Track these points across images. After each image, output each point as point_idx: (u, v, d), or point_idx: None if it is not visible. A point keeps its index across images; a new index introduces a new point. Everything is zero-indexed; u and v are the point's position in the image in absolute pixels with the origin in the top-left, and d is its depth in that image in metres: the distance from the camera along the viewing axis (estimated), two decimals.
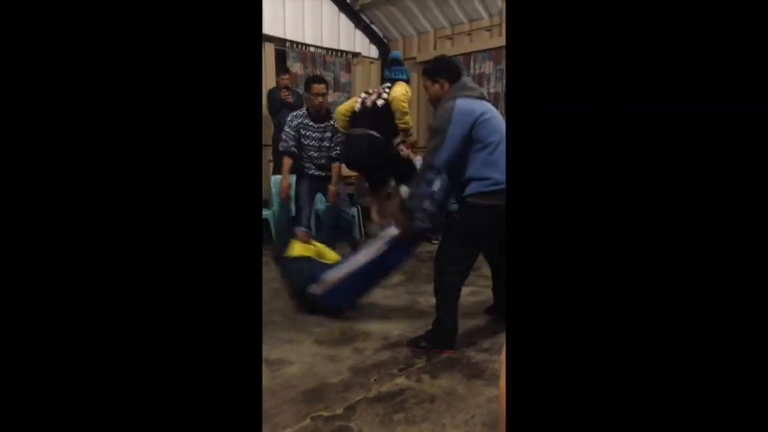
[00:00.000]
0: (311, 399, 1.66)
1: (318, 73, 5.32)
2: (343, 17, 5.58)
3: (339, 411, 1.58)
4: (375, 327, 2.37)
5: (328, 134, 3.19)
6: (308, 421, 1.52)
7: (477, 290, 2.98)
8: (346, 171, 4.98)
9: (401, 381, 1.80)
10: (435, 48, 5.56)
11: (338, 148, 3.04)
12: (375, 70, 5.97)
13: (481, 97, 2.07)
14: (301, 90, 5.01)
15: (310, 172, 3.23)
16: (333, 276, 2.36)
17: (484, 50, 5.03)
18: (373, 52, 5.94)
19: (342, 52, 5.52)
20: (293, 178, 3.27)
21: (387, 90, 2.79)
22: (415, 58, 5.73)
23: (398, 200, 2.23)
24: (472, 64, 5.16)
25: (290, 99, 4.45)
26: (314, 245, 2.74)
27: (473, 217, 2.01)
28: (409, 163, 2.84)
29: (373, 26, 5.83)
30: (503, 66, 4.77)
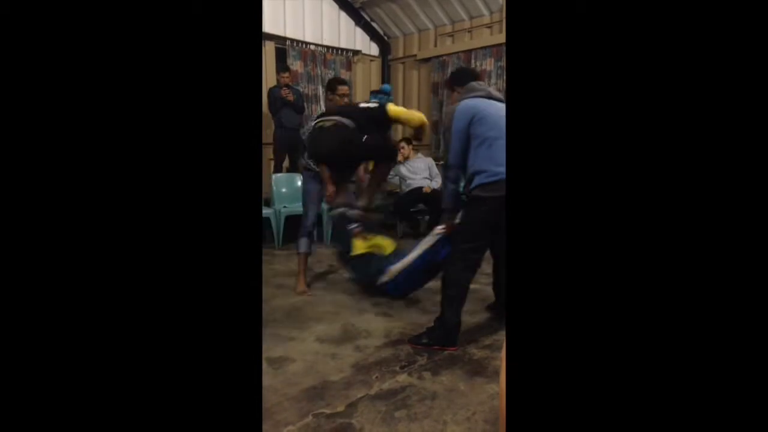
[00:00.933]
0: (313, 396, 1.66)
1: (318, 71, 5.32)
2: (343, 15, 5.57)
3: (341, 408, 1.58)
4: (376, 325, 2.37)
5: None
6: (310, 418, 1.52)
7: (478, 287, 2.98)
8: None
9: (403, 378, 1.81)
10: (435, 45, 5.55)
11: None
12: (375, 67, 5.97)
13: (487, 96, 2.15)
14: (301, 88, 5.02)
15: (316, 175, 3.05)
16: (394, 269, 2.65)
17: (485, 47, 5.03)
18: (373, 49, 5.94)
19: (342, 50, 5.51)
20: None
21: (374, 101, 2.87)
22: (415, 55, 5.73)
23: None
24: (473, 61, 5.15)
25: (291, 97, 4.45)
26: (371, 239, 2.94)
27: (477, 210, 2.07)
28: (390, 147, 2.90)
29: (373, 24, 5.82)
30: (504, 63, 4.76)
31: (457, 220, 2.24)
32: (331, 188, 2.77)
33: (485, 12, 5.06)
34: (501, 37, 4.84)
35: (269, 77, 4.83)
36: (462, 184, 2.23)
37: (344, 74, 5.52)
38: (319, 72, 5.33)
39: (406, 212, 4.54)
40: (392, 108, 2.70)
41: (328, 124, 2.65)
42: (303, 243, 2.94)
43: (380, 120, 2.67)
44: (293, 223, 3.59)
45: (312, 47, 5.25)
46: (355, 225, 2.98)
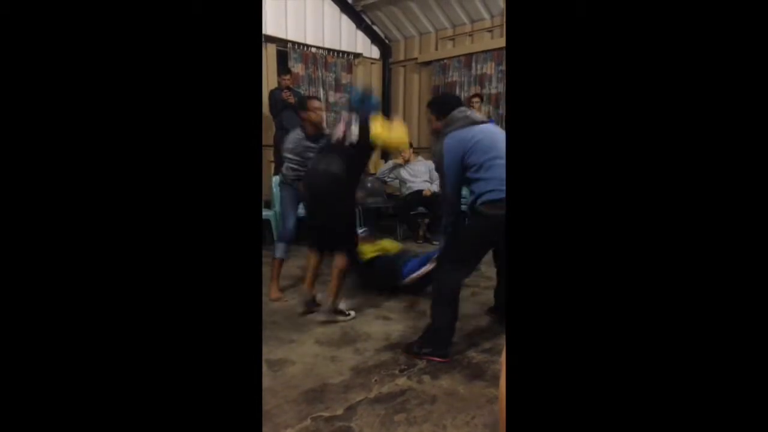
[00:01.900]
0: (312, 399, 1.66)
1: (319, 74, 5.33)
2: (344, 18, 5.59)
3: (340, 411, 1.58)
4: (376, 328, 2.37)
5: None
6: (309, 421, 1.52)
7: (478, 291, 2.98)
8: None
9: (402, 382, 1.80)
10: (436, 49, 5.56)
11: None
12: (376, 70, 5.98)
13: (471, 123, 2.10)
14: (302, 91, 5.03)
15: (292, 182, 2.94)
16: (414, 275, 2.86)
17: (486, 51, 5.03)
18: (374, 52, 5.95)
19: (343, 52, 5.52)
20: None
21: (354, 124, 2.58)
22: (416, 58, 5.73)
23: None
24: (473, 64, 5.16)
25: (291, 99, 4.45)
26: (379, 244, 3.05)
27: (478, 225, 2.06)
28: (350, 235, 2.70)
29: (374, 27, 5.83)
30: (505, 67, 4.77)
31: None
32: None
33: (486, 16, 5.07)
34: (502, 41, 4.84)
35: (270, 79, 4.84)
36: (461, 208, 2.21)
37: (345, 77, 5.53)
38: (321, 75, 5.34)
39: (407, 215, 4.54)
40: (375, 131, 2.51)
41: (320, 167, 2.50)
42: (280, 248, 2.87)
43: (362, 156, 2.56)
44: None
45: (313, 50, 5.26)
46: (362, 230, 3.01)
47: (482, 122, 2.15)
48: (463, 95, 5.05)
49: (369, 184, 5.03)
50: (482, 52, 5.07)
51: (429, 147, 5.45)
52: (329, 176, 2.42)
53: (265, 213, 4.06)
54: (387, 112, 6.04)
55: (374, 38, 5.88)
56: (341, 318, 2.47)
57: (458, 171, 2.06)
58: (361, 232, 3.06)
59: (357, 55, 5.69)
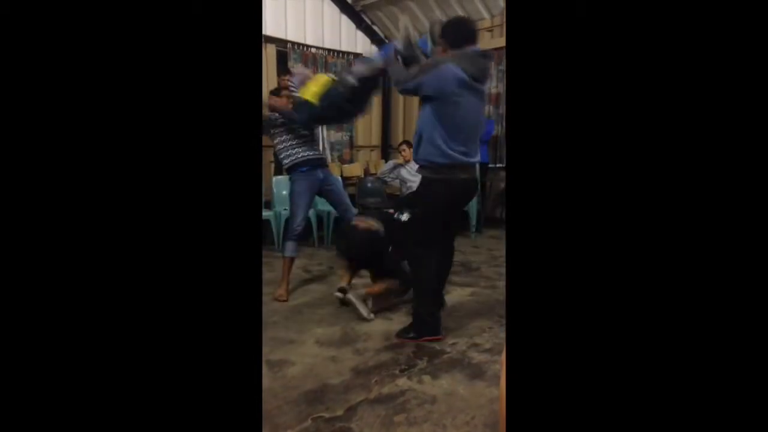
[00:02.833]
0: (312, 400, 1.66)
1: (320, 73, 5.33)
2: (344, 18, 5.58)
3: (340, 412, 1.58)
4: (376, 328, 2.37)
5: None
6: (309, 422, 1.52)
7: (478, 291, 2.97)
8: (348, 172, 4.88)
9: (402, 382, 1.80)
10: None
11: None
12: None
13: (474, 76, 2.00)
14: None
15: (303, 170, 2.87)
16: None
17: (486, 51, 5.02)
18: (374, 52, 5.94)
19: (343, 53, 5.52)
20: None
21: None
22: None
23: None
24: None
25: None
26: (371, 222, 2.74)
27: (429, 196, 2.09)
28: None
29: (374, 27, 5.83)
30: (505, 66, 4.76)
31: (405, 216, 2.24)
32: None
33: (486, 15, 5.06)
34: (502, 41, 4.83)
35: (270, 80, 4.83)
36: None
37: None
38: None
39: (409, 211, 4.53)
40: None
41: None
42: (289, 246, 2.82)
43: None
44: None
45: (313, 50, 5.26)
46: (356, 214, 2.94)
47: (482, 86, 2.10)
48: None
49: (369, 184, 5.02)
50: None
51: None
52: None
53: (265, 213, 4.06)
54: (387, 113, 6.05)
55: (374, 38, 5.88)
56: (363, 311, 2.47)
57: (432, 91, 1.97)
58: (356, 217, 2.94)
59: (357, 55, 5.68)
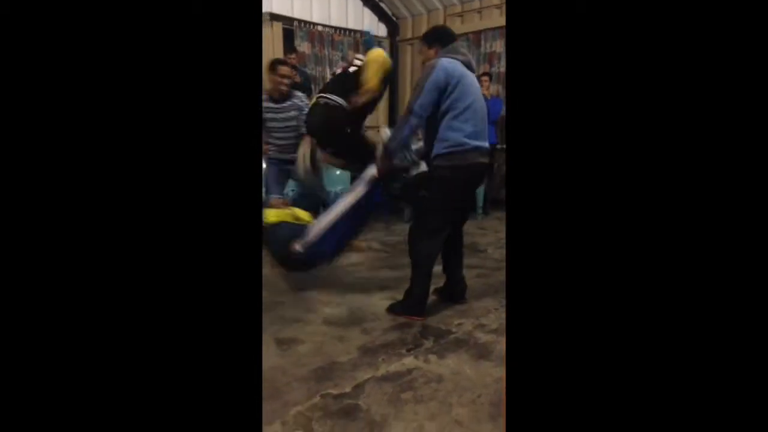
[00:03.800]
0: (320, 377, 1.69)
1: (326, 52, 5.26)
2: None
3: (348, 389, 1.61)
4: (383, 307, 2.39)
5: (293, 113, 2.97)
6: (317, 398, 1.55)
7: (484, 272, 2.99)
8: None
9: (409, 361, 1.83)
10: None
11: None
12: (383, 48, 5.89)
13: (467, 64, 2.18)
14: (308, 70, 4.97)
15: (277, 157, 2.98)
16: (315, 229, 2.36)
17: (494, 28, 4.94)
18: (381, 30, 5.85)
19: (350, 30, 5.44)
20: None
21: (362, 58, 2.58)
22: None
23: (380, 143, 2.37)
24: (482, 42, 5.06)
25: (298, 79, 4.41)
26: (290, 210, 2.61)
27: (442, 182, 2.15)
28: (371, 146, 2.54)
29: (381, 4, 5.73)
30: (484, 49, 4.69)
31: (423, 192, 2.25)
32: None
33: (456, 1, 4.97)
34: (473, 26, 4.77)
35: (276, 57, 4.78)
36: (411, 133, 2.16)
37: (352, 55, 5.45)
38: (327, 53, 5.28)
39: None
40: (370, 61, 2.46)
41: (320, 101, 2.48)
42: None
43: (351, 85, 2.47)
44: None
45: (319, 28, 5.18)
46: (276, 196, 2.81)
47: (472, 69, 2.21)
48: None
49: None
50: (491, 29, 4.97)
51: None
52: (322, 105, 2.39)
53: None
54: (394, 90, 5.99)
55: (381, 16, 5.78)
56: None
57: (437, 94, 2.06)
58: (273, 197, 2.82)
59: (362, 34, 5.60)
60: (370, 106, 2.57)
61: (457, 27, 5.32)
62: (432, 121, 2.13)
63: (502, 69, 4.88)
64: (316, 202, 3.11)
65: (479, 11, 5.15)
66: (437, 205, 2.18)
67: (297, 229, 2.45)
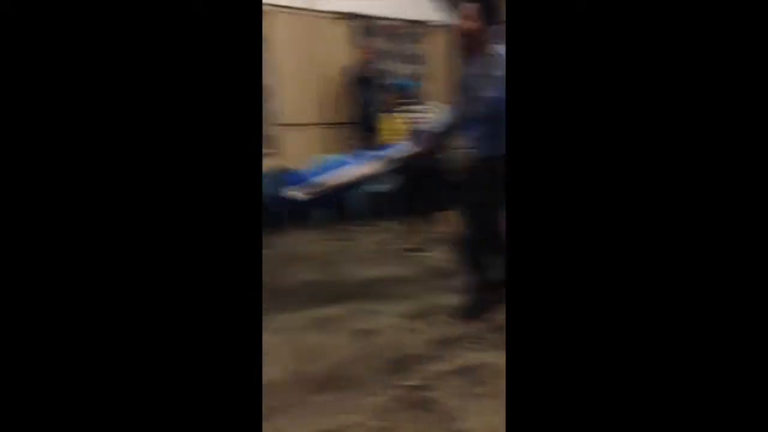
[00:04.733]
0: (394, 369, 1.75)
1: (392, 45, 5.27)
2: None
3: (421, 382, 1.65)
4: (452, 301, 2.41)
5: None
6: (392, 389, 1.61)
7: None
8: None
9: (479, 356, 1.84)
10: None
11: None
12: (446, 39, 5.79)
13: None
14: (382, 66, 5.02)
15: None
16: (325, 180, 2.19)
17: None
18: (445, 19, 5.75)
19: (415, 22, 5.40)
20: None
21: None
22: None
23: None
24: None
25: (369, 74, 4.47)
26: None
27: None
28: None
29: None
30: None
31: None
32: None
33: None
34: None
35: (345, 56, 4.87)
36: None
37: (419, 48, 5.41)
38: (394, 48, 5.29)
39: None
40: None
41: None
42: None
43: None
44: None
45: (386, 23, 5.20)
46: None
47: None
48: None
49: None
50: None
51: None
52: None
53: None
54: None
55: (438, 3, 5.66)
56: None
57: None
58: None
59: (429, 24, 5.54)
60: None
61: None
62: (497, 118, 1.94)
63: None
64: None
65: None
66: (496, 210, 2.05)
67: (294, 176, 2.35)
